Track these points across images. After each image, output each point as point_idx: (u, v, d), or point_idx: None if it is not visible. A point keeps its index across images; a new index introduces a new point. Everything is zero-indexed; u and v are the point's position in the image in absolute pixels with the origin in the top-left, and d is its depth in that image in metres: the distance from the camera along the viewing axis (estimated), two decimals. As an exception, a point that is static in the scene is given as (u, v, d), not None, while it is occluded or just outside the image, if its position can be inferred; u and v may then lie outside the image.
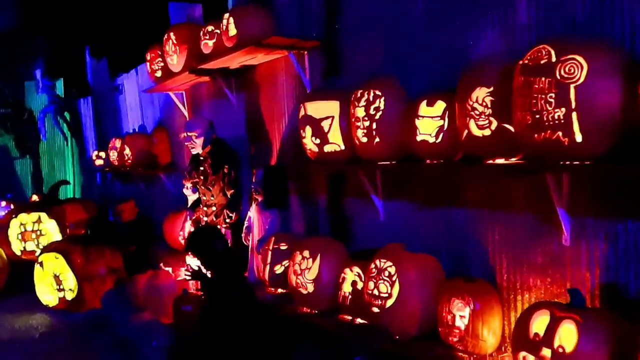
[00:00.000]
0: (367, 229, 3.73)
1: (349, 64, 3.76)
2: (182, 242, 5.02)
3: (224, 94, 5.16)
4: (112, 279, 5.57)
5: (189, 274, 3.65)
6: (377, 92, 2.96)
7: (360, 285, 3.27)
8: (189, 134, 4.56)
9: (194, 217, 4.94)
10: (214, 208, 4.63)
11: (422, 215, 3.27)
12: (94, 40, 8.96)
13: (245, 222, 4.66)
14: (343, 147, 3.27)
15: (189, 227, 4.99)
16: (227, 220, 4.50)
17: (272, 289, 4.10)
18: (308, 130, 3.35)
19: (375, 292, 2.98)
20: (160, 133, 6.47)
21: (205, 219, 4.74)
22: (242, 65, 4.69)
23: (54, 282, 5.42)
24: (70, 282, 5.36)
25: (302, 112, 3.42)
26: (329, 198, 4.10)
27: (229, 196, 4.51)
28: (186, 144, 4.63)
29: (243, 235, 4.62)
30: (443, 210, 3.14)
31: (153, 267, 5.19)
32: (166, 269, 4.90)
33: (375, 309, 2.99)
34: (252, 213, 4.57)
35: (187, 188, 5.38)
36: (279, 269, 3.99)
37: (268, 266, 4.04)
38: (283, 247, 4.02)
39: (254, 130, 4.95)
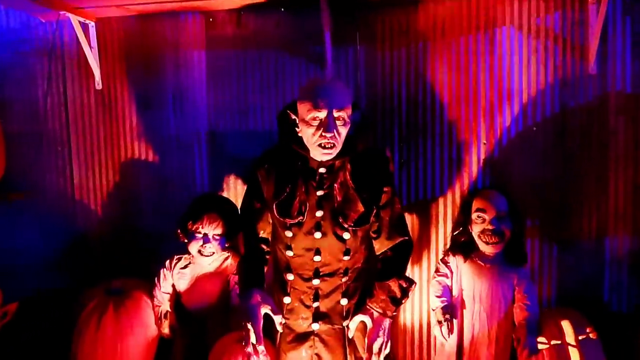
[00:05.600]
0: None
1: None
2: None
3: (294, 43, 2.85)
4: None
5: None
6: None
7: None
8: (338, 113, 1.97)
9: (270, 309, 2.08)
10: (344, 279, 2.14)
11: None
12: None
13: (439, 299, 2.48)
14: None
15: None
16: (402, 300, 2.07)
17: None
18: None
19: None
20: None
21: (315, 305, 2.15)
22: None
23: None
24: None
25: None
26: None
27: (388, 250, 2.15)
28: (327, 137, 1.97)
29: (439, 321, 2.40)
30: None
31: None
32: None
33: None
34: (462, 277, 2.50)
35: (209, 239, 2.52)
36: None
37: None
38: (592, 335, 2.32)
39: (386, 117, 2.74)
